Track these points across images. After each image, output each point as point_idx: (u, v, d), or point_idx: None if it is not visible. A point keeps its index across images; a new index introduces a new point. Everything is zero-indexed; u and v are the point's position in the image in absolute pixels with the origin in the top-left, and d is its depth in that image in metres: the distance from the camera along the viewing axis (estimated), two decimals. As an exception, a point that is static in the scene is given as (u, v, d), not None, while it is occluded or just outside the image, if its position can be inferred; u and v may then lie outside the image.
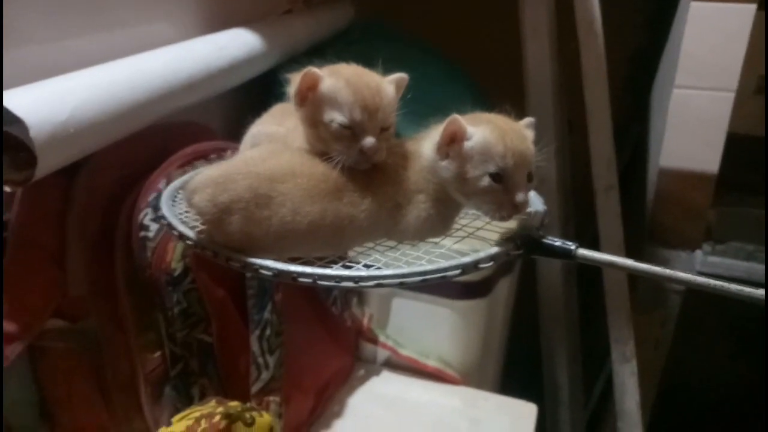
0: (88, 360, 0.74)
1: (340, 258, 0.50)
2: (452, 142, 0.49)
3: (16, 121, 0.54)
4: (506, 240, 0.49)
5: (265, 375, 0.78)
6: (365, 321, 1.05)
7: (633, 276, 1.09)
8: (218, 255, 0.50)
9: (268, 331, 0.77)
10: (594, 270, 1.17)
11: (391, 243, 0.52)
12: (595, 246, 1.19)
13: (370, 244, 0.52)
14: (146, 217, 0.71)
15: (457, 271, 0.45)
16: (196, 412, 0.61)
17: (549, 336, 1.26)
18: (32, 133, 0.54)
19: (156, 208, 0.70)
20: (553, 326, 1.25)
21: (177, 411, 0.70)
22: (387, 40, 1.16)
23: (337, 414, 0.95)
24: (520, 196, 0.48)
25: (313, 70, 0.52)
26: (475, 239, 0.51)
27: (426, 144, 0.52)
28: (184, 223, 0.55)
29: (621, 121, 1.16)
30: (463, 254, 0.47)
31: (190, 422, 0.59)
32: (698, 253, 1.11)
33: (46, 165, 0.57)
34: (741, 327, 1.22)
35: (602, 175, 1.03)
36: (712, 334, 1.27)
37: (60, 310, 0.71)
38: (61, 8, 0.69)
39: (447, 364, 1.05)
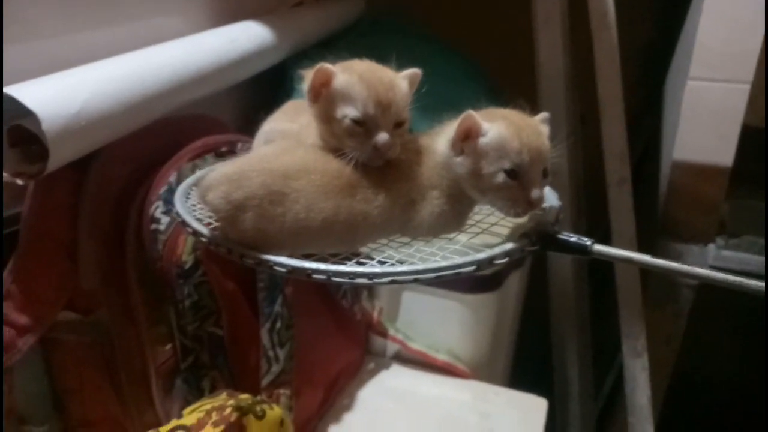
0: (100, 352, 0.74)
1: (353, 254, 0.50)
2: (467, 138, 0.49)
3: (29, 113, 0.54)
4: (521, 236, 0.48)
5: (276, 368, 0.78)
6: (375, 314, 1.05)
7: (645, 271, 1.08)
8: (232, 252, 0.50)
9: (278, 324, 0.77)
10: (605, 264, 1.17)
11: (405, 239, 0.52)
12: (606, 240, 1.19)
13: (384, 241, 0.52)
14: (157, 209, 0.71)
15: (472, 268, 0.45)
16: (206, 404, 0.61)
17: (559, 330, 1.26)
18: (44, 125, 0.54)
19: (167, 200, 0.71)
20: (563, 320, 1.24)
21: (188, 403, 0.70)
22: (397, 33, 1.15)
23: (347, 407, 0.96)
24: (535, 193, 0.48)
25: (326, 66, 0.52)
26: (489, 235, 0.51)
27: (440, 140, 0.52)
28: (198, 219, 0.55)
29: (633, 114, 1.15)
30: (478, 250, 0.47)
31: (201, 415, 0.59)
32: (711, 247, 1.10)
33: (58, 158, 0.57)
34: (753, 323, 1.21)
35: (615, 169, 1.02)
36: (724, 329, 1.26)
37: (72, 302, 0.71)
38: (73, 1, 0.69)
39: (457, 358, 1.05)
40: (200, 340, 0.74)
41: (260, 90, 1.00)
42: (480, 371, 1.05)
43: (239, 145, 0.79)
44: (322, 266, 0.46)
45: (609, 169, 1.03)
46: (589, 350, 1.30)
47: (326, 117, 0.53)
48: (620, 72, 0.98)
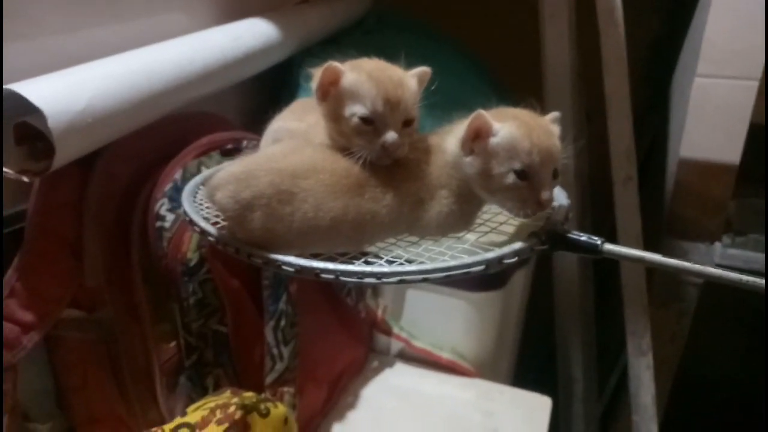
0: (104, 350, 0.74)
1: (362, 254, 0.50)
2: (477, 137, 0.49)
3: (34, 110, 0.54)
4: (531, 235, 0.48)
5: (280, 366, 0.78)
6: (379, 312, 1.05)
7: (650, 269, 1.08)
8: (240, 251, 0.50)
9: (282, 322, 0.77)
10: (610, 262, 1.16)
11: (413, 238, 0.52)
12: (611, 239, 1.18)
13: (392, 240, 0.52)
14: (162, 207, 0.70)
15: (482, 267, 0.45)
16: (210, 402, 0.61)
17: (564, 328, 1.25)
18: (50, 122, 0.54)
19: (172, 198, 0.70)
20: (568, 319, 1.24)
21: (192, 401, 0.70)
22: (403, 30, 1.15)
23: (351, 405, 0.95)
24: (545, 194, 0.47)
25: (335, 64, 0.51)
26: (498, 234, 0.50)
27: (450, 139, 0.51)
28: (205, 218, 0.55)
29: (640, 111, 1.15)
30: (487, 249, 0.46)
31: (205, 413, 0.59)
32: (717, 245, 1.09)
33: (63, 155, 0.57)
34: (758, 321, 1.21)
35: (621, 166, 1.01)
36: (729, 328, 1.26)
37: (76, 300, 0.71)
38: (78, -2, 0.69)
39: (461, 357, 1.04)
40: (204, 337, 0.74)
41: (265, 88, 0.99)
42: (484, 370, 1.05)
43: (245, 143, 0.79)
44: (330, 266, 0.46)
45: (615, 167, 1.02)
46: (594, 349, 1.29)
47: (334, 115, 0.52)
48: (627, 69, 0.97)
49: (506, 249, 0.47)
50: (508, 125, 0.48)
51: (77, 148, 0.60)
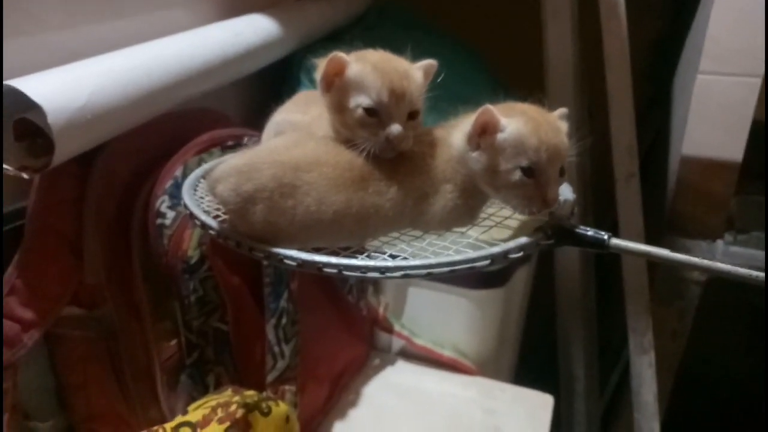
0: (105, 348, 0.74)
1: (362, 249, 0.49)
2: (484, 133, 0.48)
3: (34, 106, 0.54)
4: (536, 229, 0.47)
5: (281, 364, 0.77)
6: (381, 310, 1.05)
7: (652, 267, 1.08)
8: (241, 245, 0.49)
9: (284, 320, 0.77)
10: (612, 260, 1.16)
11: (417, 233, 0.51)
12: (613, 235, 1.18)
13: (395, 234, 0.51)
14: (163, 204, 0.70)
15: (486, 262, 0.44)
16: (212, 401, 0.61)
17: (565, 326, 1.25)
18: (49, 119, 0.54)
19: (173, 195, 0.70)
20: (569, 316, 1.24)
21: (193, 399, 0.70)
22: (404, 25, 1.14)
23: (352, 403, 0.95)
24: (551, 192, 0.47)
25: (340, 55, 0.51)
26: (502, 229, 0.50)
27: (456, 133, 0.51)
28: (206, 212, 0.54)
29: (642, 108, 1.14)
30: (492, 244, 0.46)
31: (207, 411, 0.59)
32: (719, 243, 1.09)
33: (63, 151, 0.57)
34: (760, 319, 1.20)
35: (623, 163, 1.01)
36: (731, 326, 1.25)
37: (76, 297, 0.71)
38: (78, -6, 0.68)
39: (462, 354, 1.04)
40: (205, 335, 0.74)
41: (266, 84, 0.99)
42: (486, 367, 1.05)
43: (245, 139, 0.79)
44: (333, 260, 0.45)
45: (617, 164, 1.02)
46: (595, 346, 1.29)
47: (339, 107, 0.52)
48: (629, 65, 0.97)
49: (511, 243, 0.46)
50: (516, 121, 0.48)
51: (77, 145, 0.60)
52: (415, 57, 0.55)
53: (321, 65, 0.52)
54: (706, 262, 0.43)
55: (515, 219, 0.51)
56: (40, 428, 0.72)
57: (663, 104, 1.30)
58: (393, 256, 0.47)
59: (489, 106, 0.47)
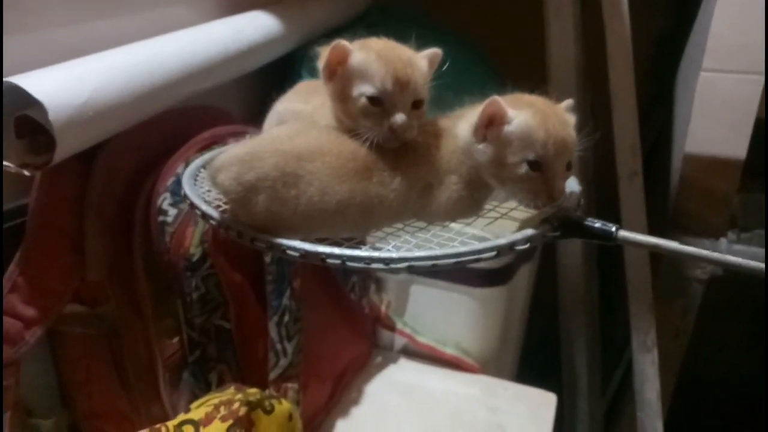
0: (107, 345, 0.74)
1: (363, 241, 0.49)
2: (491, 124, 0.47)
3: (35, 103, 0.53)
4: (543, 221, 0.47)
5: (284, 362, 0.77)
6: (383, 308, 1.05)
7: (655, 265, 1.07)
8: (243, 235, 0.48)
9: (286, 318, 0.77)
10: (614, 257, 1.16)
11: (421, 224, 0.51)
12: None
13: (399, 225, 0.51)
14: (165, 201, 0.70)
15: (493, 253, 0.44)
16: (214, 398, 0.61)
17: (568, 324, 1.25)
18: (51, 115, 0.54)
19: (175, 192, 0.70)
20: (572, 314, 1.23)
21: (195, 397, 0.70)
22: (407, 23, 1.14)
23: (355, 401, 0.95)
24: (557, 186, 0.46)
25: (343, 42, 0.50)
26: (509, 220, 0.49)
27: (462, 124, 0.50)
28: (206, 202, 0.54)
29: (644, 106, 1.14)
30: (498, 235, 0.45)
31: (209, 409, 0.59)
32: (723, 241, 1.08)
33: (65, 148, 0.57)
34: (763, 318, 1.20)
35: (626, 162, 1.01)
36: (734, 324, 1.25)
37: (78, 295, 0.71)
38: (80, -9, 0.68)
39: (465, 352, 1.04)
40: (208, 333, 0.74)
41: (267, 81, 0.99)
42: (488, 365, 1.04)
43: (247, 137, 0.78)
44: (336, 250, 0.45)
45: (620, 162, 1.02)
46: (598, 344, 1.29)
47: (342, 96, 0.51)
48: (632, 63, 0.96)
49: (518, 235, 0.46)
50: (524, 113, 0.47)
51: (78, 142, 0.60)
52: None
53: (324, 53, 0.52)
54: (715, 255, 0.43)
55: (521, 210, 0.50)
56: (43, 425, 0.72)
57: (666, 102, 1.29)
58: (397, 248, 0.46)
59: (496, 98, 0.47)
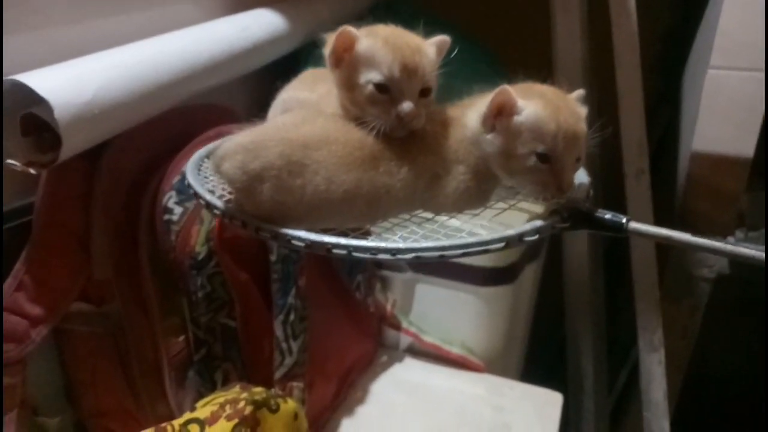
0: (113, 343, 0.73)
1: (368, 232, 0.48)
2: (500, 114, 0.47)
3: (41, 101, 0.53)
4: (552, 212, 0.46)
5: (289, 360, 0.77)
6: (388, 307, 1.04)
7: (662, 263, 1.07)
8: (247, 225, 0.48)
9: (292, 316, 0.77)
10: (621, 256, 1.15)
11: (427, 215, 0.50)
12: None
13: (406, 216, 0.50)
14: (170, 200, 0.70)
15: (501, 244, 0.43)
16: (220, 397, 0.61)
17: (574, 323, 1.24)
18: (56, 113, 0.54)
19: (180, 191, 0.70)
20: (578, 313, 1.23)
21: (200, 396, 0.70)
22: (413, 21, 1.13)
23: (360, 400, 0.95)
24: (566, 178, 0.45)
25: (349, 29, 0.49)
26: (516, 211, 0.49)
27: (470, 113, 0.49)
28: (211, 192, 0.53)
29: (651, 104, 1.13)
30: (507, 226, 0.45)
31: (215, 408, 0.59)
32: (730, 239, 1.08)
33: (70, 146, 0.57)
34: (770, 316, 1.19)
35: (633, 160, 1.00)
36: (741, 323, 1.24)
37: (84, 293, 0.71)
38: (85, -12, 0.68)
39: (470, 352, 1.04)
40: (213, 331, 0.74)
41: (272, 79, 0.98)
42: (494, 365, 1.04)
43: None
44: (342, 240, 0.44)
45: (627, 161, 1.01)
46: (604, 343, 1.28)
47: (348, 83, 0.50)
48: (639, 61, 0.96)
49: (527, 226, 0.45)
50: (534, 104, 0.46)
51: (84, 140, 0.60)
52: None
53: (330, 40, 0.51)
54: (730, 247, 0.43)
55: (529, 201, 0.50)
56: (49, 424, 0.72)
57: (673, 99, 1.29)
58: (404, 238, 0.45)
59: (506, 87, 0.46)
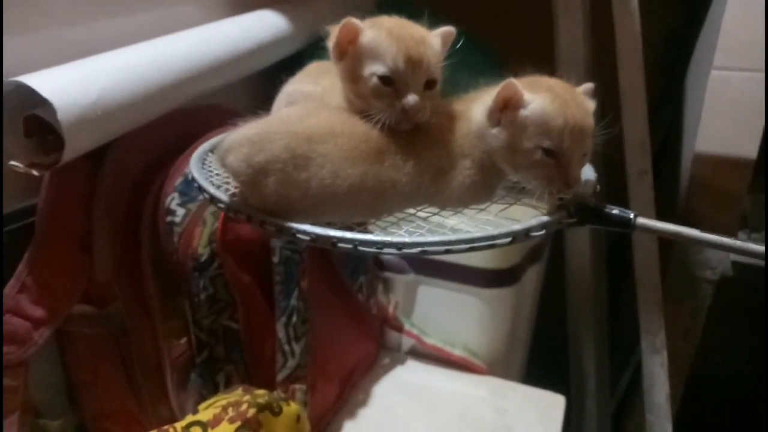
0: (115, 345, 0.73)
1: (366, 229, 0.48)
2: (505, 108, 0.46)
3: (44, 103, 0.53)
4: (559, 208, 0.46)
5: (291, 363, 0.77)
6: (390, 308, 1.04)
7: (664, 265, 1.06)
8: (252, 218, 0.47)
9: (294, 318, 0.76)
10: (624, 258, 1.15)
11: (432, 209, 0.50)
12: (624, 234, 1.16)
13: (411, 210, 0.50)
14: (173, 201, 0.70)
15: (508, 239, 0.43)
16: (222, 400, 0.60)
17: (576, 325, 1.24)
18: (59, 115, 0.54)
19: (183, 192, 0.70)
20: (580, 315, 1.22)
21: (202, 398, 0.70)
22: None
23: (362, 402, 0.94)
24: (574, 173, 0.45)
25: (353, 20, 0.49)
26: (523, 206, 0.48)
27: (476, 107, 0.49)
28: (215, 186, 0.53)
29: (654, 104, 1.13)
30: (513, 221, 0.44)
31: (217, 410, 0.58)
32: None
33: (73, 148, 0.56)
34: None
35: (636, 160, 1.00)
36: (744, 325, 1.24)
37: (87, 295, 0.71)
38: (89, -10, 0.68)
39: (473, 354, 1.03)
40: (215, 333, 0.73)
41: (276, 80, 0.98)
42: (496, 367, 1.04)
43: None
44: (347, 234, 0.44)
45: (629, 161, 1.01)
46: (607, 345, 1.28)
47: (352, 76, 0.50)
48: (642, 61, 0.95)
49: (533, 221, 0.44)
50: (541, 98, 0.46)
51: (87, 141, 0.60)
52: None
53: (333, 32, 0.50)
54: (739, 243, 0.42)
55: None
56: (51, 426, 0.72)
57: (675, 100, 1.28)
58: (410, 233, 0.45)
59: (512, 80, 0.45)
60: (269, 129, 0.48)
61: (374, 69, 0.48)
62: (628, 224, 0.45)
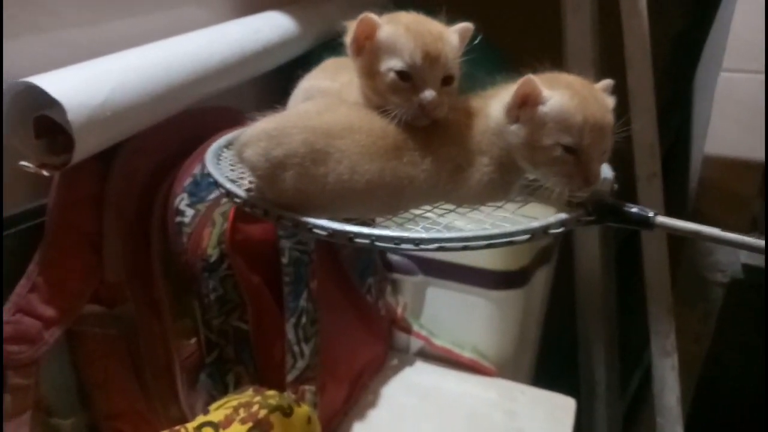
0: (125, 345, 0.74)
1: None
2: (524, 104, 0.46)
3: (54, 103, 0.53)
4: (577, 205, 0.45)
5: (301, 363, 0.77)
6: (399, 310, 1.04)
7: (674, 268, 1.06)
8: (269, 213, 0.47)
9: (303, 319, 0.76)
10: (634, 260, 1.14)
11: (449, 206, 0.49)
12: (633, 236, 1.16)
13: (428, 207, 0.49)
14: (182, 202, 0.70)
15: (526, 236, 0.42)
16: (233, 401, 0.60)
17: (586, 327, 1.23)
18: (70, 115, 0.54)
19: (192, 193, 0.70)
20: (590, 317, 1.22)
21: (212, 399, 0.70)
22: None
23: (371, 404, 0.94)
24: (593, 170, 0.44)
25: (371, 16, 0.49)
26: (539, 204, 0.48)
27: (494, 104, 0.48)
28: (231, 181, 0.52)
29: (662, 106, 1.12)
30: (532, 218, 0.44)
31: (228, 411, 0.58)
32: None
33: (83, 148, 0.57)
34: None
35: (645, 163, 0.99)
36: (755, 328, 1.23)
37: (97, 295, 0.71)
38: (98, -8, 0.68)
39: (482, 355, 1.03)
40: (225, 334, 0.74)
41: (284, 81, 0.98)
42: (505, 369, 1.03)
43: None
44: (365, 230, 0.43)
45: (639, 164, 1.00)
46: (616, 348, 1.27)
47: (369, 71, 0.50)
48: (651, 63, 0.95)
49: (552, 219, 0.44)
50: (560, 94, 0.45)
51: (97, 142, 0.60)
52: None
53: (351, 28, 0.50)
54: (755, 241, 0.42)
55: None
56: (62, 425, 0.72)
57: (684, 102, 1.28)
58: (427, 229, 0.45)
59: (531, 76, 0.45)
60: (287, 123, 0.48)
61: (392, 64, 0.48)
62: (646, 222, 0.44)
